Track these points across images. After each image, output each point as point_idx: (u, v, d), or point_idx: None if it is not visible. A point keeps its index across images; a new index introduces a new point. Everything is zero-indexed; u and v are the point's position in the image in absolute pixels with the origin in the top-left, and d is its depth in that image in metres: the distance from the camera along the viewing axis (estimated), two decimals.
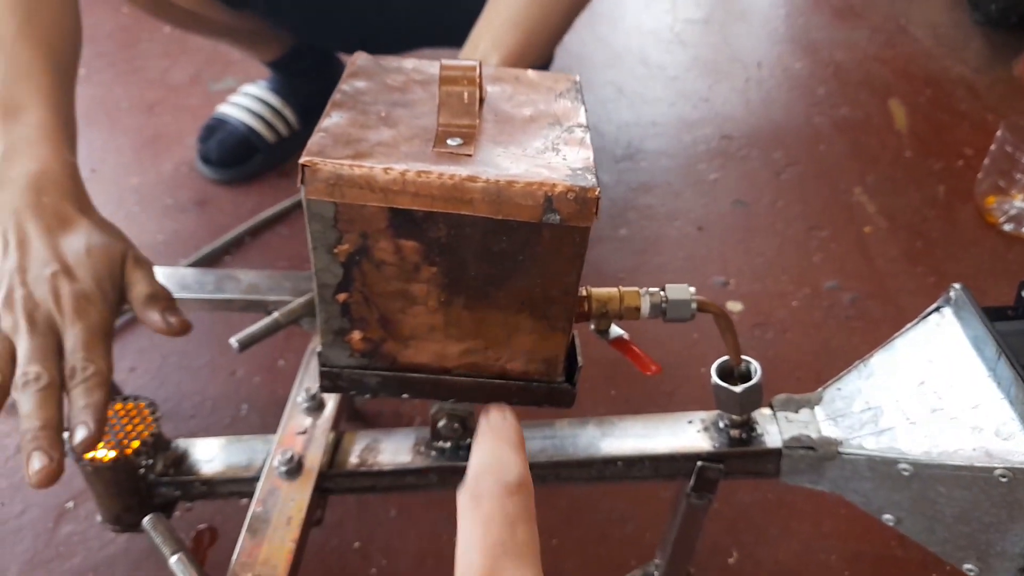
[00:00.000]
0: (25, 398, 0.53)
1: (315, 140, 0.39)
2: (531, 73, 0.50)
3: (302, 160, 0.37)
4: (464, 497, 0.28)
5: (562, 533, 0.78)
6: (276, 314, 0.71)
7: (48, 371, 0.54)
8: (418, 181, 0.37)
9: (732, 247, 1.13)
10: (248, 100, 1.29)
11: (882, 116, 1.43)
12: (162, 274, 0.76)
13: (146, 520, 0.55)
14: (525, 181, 0.37)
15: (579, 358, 0.47)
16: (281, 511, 0.56)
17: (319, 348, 0.45)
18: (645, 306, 0.50)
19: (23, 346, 0.55)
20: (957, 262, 1.10)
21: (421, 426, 0.63)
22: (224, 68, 1.53)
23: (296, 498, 0.57)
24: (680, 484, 0.60)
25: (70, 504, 0.81)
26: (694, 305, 0.50)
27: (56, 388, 0.54)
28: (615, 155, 1.32)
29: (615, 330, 0.52)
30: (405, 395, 0.47)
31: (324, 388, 0.46)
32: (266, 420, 0.90)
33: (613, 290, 0.50)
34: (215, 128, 1.27)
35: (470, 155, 0.39)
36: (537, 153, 0.40)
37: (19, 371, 0.54)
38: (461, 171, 0.37)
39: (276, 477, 0.58)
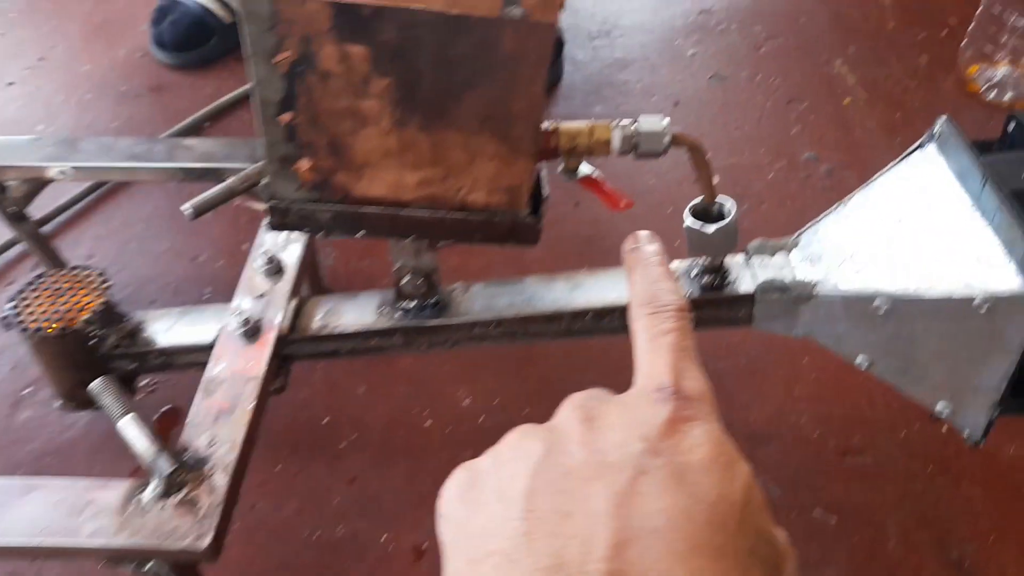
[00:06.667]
0: None
1: None
2: None
3: None
4: (644, 311, 0.30)
5: (533, 404, 0.77)
6: (230, 180, 0.67)
7: None
8: None
9: (709, 121, 1.10)
10: None
11: None
12: (105, 145, 0.72)
13: (94, 384, 0.53)
14: None
15: (545, 188, 0.44)
16: (238, 373, 0.54)
17: (264, 180, 0.42)
18: (616, 140, 0.47)
19: None
20: None
21: (387, 288, 0.60)
22: None
23: (254, 360, 0.55)
24: None
25: (27, 390, 0.79)
26: (667, 138, 0.48)
27: None
28: (590, 32, 1.26)
29: (584, 168, 0.49)
30: (361, 233, 0.44)
31: (273, 225, 0.44)
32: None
33: (582, 123, 0.47)
34: (168, 9, 1.20)
35: None
36: None
37: None
38: None
39: (232, 340, 0.56)
